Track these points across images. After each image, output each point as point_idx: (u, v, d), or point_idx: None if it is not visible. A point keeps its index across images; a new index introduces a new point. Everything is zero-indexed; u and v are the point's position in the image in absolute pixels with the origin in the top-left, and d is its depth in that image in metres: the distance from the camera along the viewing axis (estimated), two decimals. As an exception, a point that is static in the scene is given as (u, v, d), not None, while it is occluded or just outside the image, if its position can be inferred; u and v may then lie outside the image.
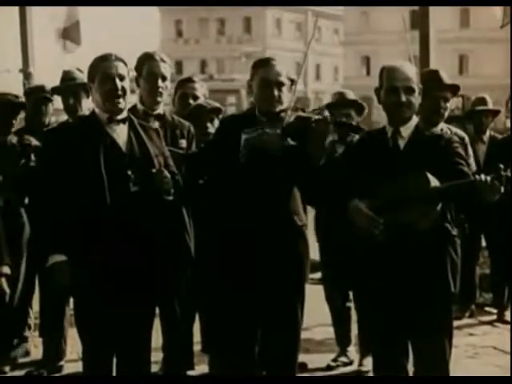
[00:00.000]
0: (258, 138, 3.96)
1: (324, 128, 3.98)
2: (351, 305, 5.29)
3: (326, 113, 4.13)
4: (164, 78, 4.41)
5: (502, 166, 3.38)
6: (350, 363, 5.30)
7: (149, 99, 4.44)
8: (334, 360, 5.32)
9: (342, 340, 5.35)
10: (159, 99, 4.44)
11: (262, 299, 4.11)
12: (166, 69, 4.42)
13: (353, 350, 5.36)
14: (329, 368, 5.26)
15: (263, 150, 3.95)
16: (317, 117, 4.03)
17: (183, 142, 4.46)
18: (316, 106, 4.70)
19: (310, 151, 3.97)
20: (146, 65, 4.40)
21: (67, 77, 5.42)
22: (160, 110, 4.47)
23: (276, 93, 4.06)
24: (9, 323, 5.19)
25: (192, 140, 4.50)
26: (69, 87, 5.32)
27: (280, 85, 4.07)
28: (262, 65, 4.12)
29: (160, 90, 4.41)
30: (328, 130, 4.01)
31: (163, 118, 4.46)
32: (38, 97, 5.41)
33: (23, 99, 5.32)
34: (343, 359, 5.32)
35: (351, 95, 5.30)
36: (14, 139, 5.14)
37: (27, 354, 5.47)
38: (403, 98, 3.76)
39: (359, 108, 5.23)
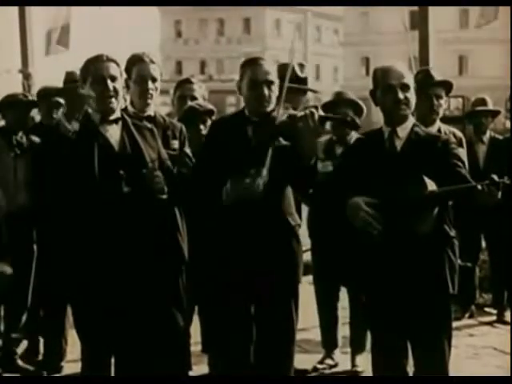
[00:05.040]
0: (241, 190, 3.91)
1: (311, 124, 3.87)
2: (339, 306, 5.30)
3: (313, 109, 3.99)
4: (154, 80, 4.39)
5: (495, 176, 3.38)
6: (336, 365, 5.30)
7: (139, 101, 4.42)
8: (321, 362, 5.31)
9: (329, 342, 5.34)
10: (149, 101, 4.42)
11: (256, 299, 4.11)
12: (156, 70, 4.39)
13: (338, 352, 5.36)
14: (315, 370, 5.26)
15: (245, 199, 3.90)
16: (301, 113, 3.94)
17: (175, 143, 4.44)
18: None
19: (300, 149, 3.92)
20: (136, 67, 4.36)
21: (70, 78, 5.43)
22: (151, 111, 4.45)
23: (266, 92, 4.03)
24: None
25: (184, 140, 4.48)
26: (72, 89, 5.34)
27: (269, 84, 4.05)
28: (250, 65, 4.09)
29: (150, 91, 4.38)
30: (316, 126, 3.88)
31: (154, 119, 4.44)
32: (49, 101, 5.44)
33: (32, 98, 5.37)
34: (329, 361, 5.31)
35: (349, 95, 5.27)
36: (23, 138, 5.20)
37: (36, 353, 5.48)
38: (400, 95, 3.77)
39: (357, 109, 5.15)
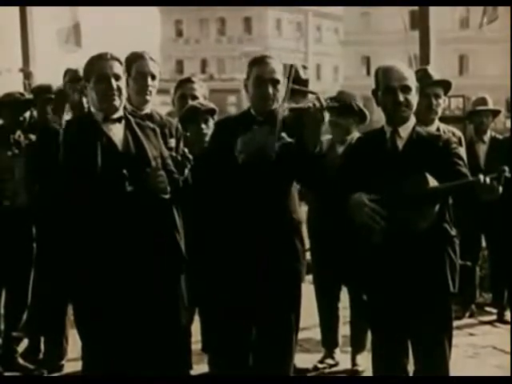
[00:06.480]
0: (251, 139, 3.94)
1: (317, 114, 3.89)
2: (340, 305, 5.30)
3: (316, 100, 4.00)
4: (153, 77, 4.40)
5: (505, 167, 3.38)
6: (336, 365, 5.31)
7: (138, 98, 4.43)
8: (321, 361, 5.32)
9: (329, 342, 5.35)
10: (148, 98, 4.43)
11: (260, 297, 4.11)
12: (155, 68, 4.41)
13: (338, 352, 5.36)
14: (315, 369, 5.26)
15: (259, 149, 3.93)
16: (309, 104, 3.94)
17: (172, 141, 4.44)
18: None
19: (305, 140, 3.93)
20: (135, 64, 4.37)
21: (71, 77, 5.43)
22: (148, 109, 4.46)
23: (271, 91, 4.04)
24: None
25: (180, 138, 4.48)
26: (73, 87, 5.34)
27: (275, 82, 4.05)
28: (257, 63, 4.10)
29: (149, 88, 4.39)
30: (322, 115, 3.91)
31: (151, 117, 4.44)
32: (44, 97, 5.44)
33: (30, 96, 5.37)
34: (329, 361, 5.32)
35: (350, 98, 5.19)
36: (21, 137, 5.20)
37: (37, 352, 5.48)
38: (401, 98, 3.77)
39: (358, 114, 5.08)
